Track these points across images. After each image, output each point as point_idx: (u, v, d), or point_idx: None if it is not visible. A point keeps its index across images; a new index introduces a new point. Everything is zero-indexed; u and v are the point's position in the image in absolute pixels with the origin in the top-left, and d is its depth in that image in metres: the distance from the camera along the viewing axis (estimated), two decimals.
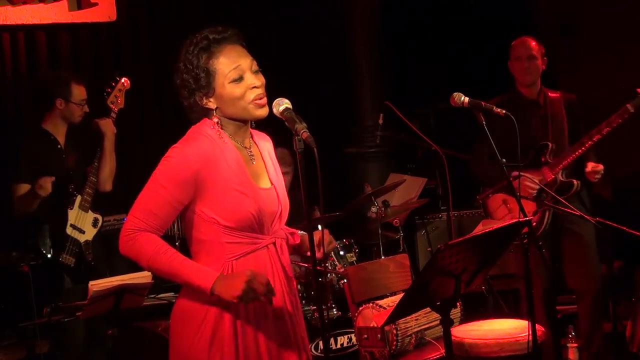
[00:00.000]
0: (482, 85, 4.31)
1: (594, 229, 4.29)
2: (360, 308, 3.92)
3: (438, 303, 2.73)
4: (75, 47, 5.79)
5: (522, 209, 3.18)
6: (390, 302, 3.89)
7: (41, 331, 4.30)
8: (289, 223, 2.80)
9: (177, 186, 2.45)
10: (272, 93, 2.56)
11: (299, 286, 4.56)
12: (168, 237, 4.50)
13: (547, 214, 4.27)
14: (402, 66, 6.71)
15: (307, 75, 6.28)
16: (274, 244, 2.58)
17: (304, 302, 4.55)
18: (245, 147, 2.59)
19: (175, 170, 2.45)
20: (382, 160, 6.55)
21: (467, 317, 4.04)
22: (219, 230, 2.48)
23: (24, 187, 4.31)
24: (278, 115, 2.49)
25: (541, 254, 3.19)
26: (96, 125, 4.51)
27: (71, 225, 4.32)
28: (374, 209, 4.94)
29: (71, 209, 4.33)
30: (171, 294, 4.40)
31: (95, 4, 5.71)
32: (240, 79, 2.50)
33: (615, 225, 3.60)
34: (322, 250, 2.60)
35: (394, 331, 3.72)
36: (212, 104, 2.52)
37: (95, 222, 4.45)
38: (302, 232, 2.76)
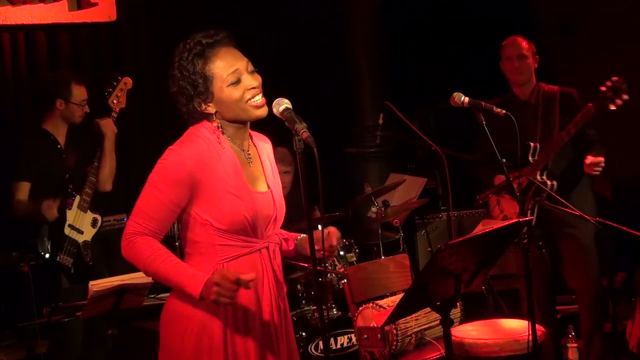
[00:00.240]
0: (482, 85, 4.31)
1: (593, 231, 4.29)
2: (360, 308, 3.92)
3: (438, 303, 2.73)
4: (75, 47, 5.79)
5: (522, 209, 3.18)
6: (390, 302, 3.89)
7: (41, 331, 4.29)
8: (289, 221, 2.81)
9: (171, 188, 2.46)
10: (272, 93, 2.56)
11: (299, 286, 4.56)
12: (168, 237, 4.51)
13: (528, 213, 4.26)
14: (402, 66, 6.71)
15: (307, 75, 6.28)
16: (267, 248, 2.58)
17: (304, 302, 4.55)
18: (244, 150, 2.59)
19: (169, 172, 2.46)
20: (382, 160, 6.55)
21: (467, 317, 4.04)
22: (212, 232, 2.49)
23: (24, 186, 4.31)
24: (278, 115, 2.49)
25: (541, 254, 3.18)
26: (97, 125, 4.50)
27: (69, 226, 4.32)
28: (374, 209, 4.94)
29: (70, 209, 4.33)
30: None
31: (95, 4, 5.71)
32: (238, 81, 2.50)
33: (615, 225, 3.59)
34: (323, 250, 2.60)
35: (394, 331, 3.72)
36: (211, 108, 2.52)
37: (94, 223, 4.44)
38: (302, 235, 2.75)
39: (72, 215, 4.34)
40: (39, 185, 4.35)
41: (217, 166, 2.49)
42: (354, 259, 4.74)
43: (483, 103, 3.31)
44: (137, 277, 3.74)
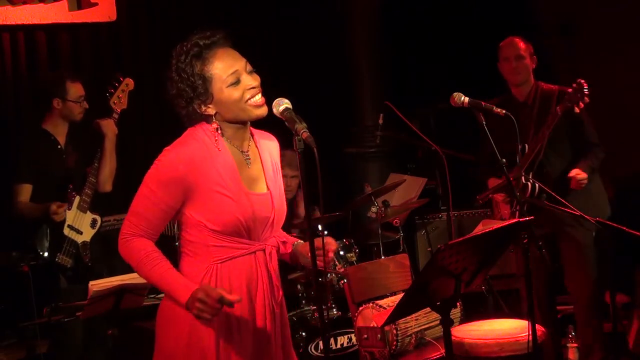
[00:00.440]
0: (482, 85, 4.31)
1: (593, 232, 4.29)
2: (360, 308, 3.92)
3: (438, 303, 2.73)
4: (75, 47, 5.78)
5: (522, 209, 3.18)
6: (390, 302, 3.89)
7: (41, 331, 4.29)
8: (290, 221, 2.81)
9: (163, 189, 2.48)
10: (272, 93, 2.56)
11: (299, 286, 4.56)
12: (168, 237, 4.53)
13: (518, 214, 4.26)
14: (402, 66, 6.71)
15: (307, 75, 6.28)
16: (264, 250, 2.58)
17: (304, 302, 4.55)
18: (243, 151, 2.58)
19: (161, 173, 2.48)
20: (382, 160, 6.55)
21: (467, 317, 4.04)
22: (206, 233, 2.50)
23: (26, 188, 4.31)
24: (278, 115, 2.49)
25: (541, 254, 3.18)
26: (97, 126, 4.50)
27: (68, 226, 4.32)
28: (374, 209, 4.94)
29: (69, 209, 4.33)
30: None
31: (95, 4, 5.71)
32: (237, 81, 2.50)
33: (615, 225, 3.60)
34: (324, 260, 2.58)
35: (394, 331, 3.73)
36: (211, 110, 2.52)
37: (93, 223, 4.44)
38: (300, 241, 2.74)
39: (71, 215, 4.33)
40: (39, 186, 4.35)
41: (211, 168, 2.49)
42: (354, 259, 4.74)
43: (483, 103, 3.31)
44: (137, 277, 3.71)
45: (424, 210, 5.69)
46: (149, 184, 2.49)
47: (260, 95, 2.53)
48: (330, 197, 5.68)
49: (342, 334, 4.43)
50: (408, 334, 3.80)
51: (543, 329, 3.66)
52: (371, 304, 3.89)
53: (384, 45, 6.63)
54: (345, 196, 5.85)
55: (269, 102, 2.53)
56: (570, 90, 4.24)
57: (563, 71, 6.12)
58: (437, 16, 6.66)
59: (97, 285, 3.65)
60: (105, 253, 4.52)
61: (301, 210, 4.99)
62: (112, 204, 4.74)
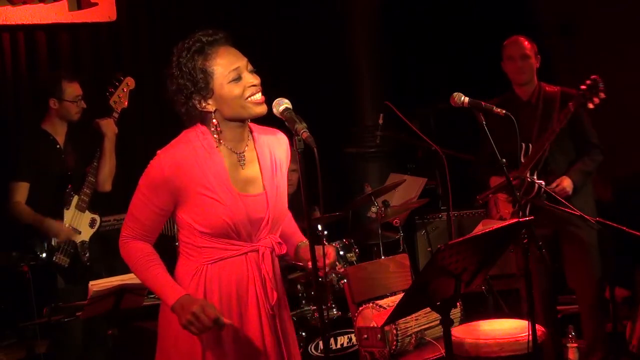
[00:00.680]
0: (482, 85, 4.31)
1: (596, 231, 4.29)
2: (360, 308, 3.92)
3: (438, 303, 2.73)
4: (75, 47, 5.78)
5: (522, 209, 3.18)
6: (390, 302, 3.89)
7: (41, 331, 4.29)
8: (296, 217, 2.79)
9: (152, 192, 2.52)
10: (272, 93, 2.56)
11: (299, 286, 4.55)
12: (168, 237, 4.53)
13: (521, 213, 4.26)
14: (402, 66, 6.71)
15: (307, 75, 6.28)
16: (258, 251, 2.57)
17: (304, 302, 4.55)
18: (237, 152, 2.57)
19: (150, 177, 2.52)
20: (382, 160, 6.55)
21: (467, 317, 4.04)
22: (196, 234, 2.53)
23: (23, 186, 4.30)
24: (278, 115, 2.49)
25: (541, 254, 3.18)
26: (97, 125, 4.50)
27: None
28: (374, 209, 4.94)
29: (67, 209, 4.33)
30: None
31: (95, 4, 5.71)
32: (238, 78, 2.51)
33: (615, 225, 3.60)
34: (324, 268, 2.57)
35: (394, 331, 3.73)
36: (210, 106, 2.52)
37: (92, 223, 4.44)
38: (305, 242, 2.74)
39: (69, 215, 4.33)
40: (38, 186, 4.35)
41: (199, 171, 2.49)
42: (354, 259, 4.74)
43: (483, 103, 3.31)
44: (136, 277, 3.73)
45: (424, 210, 5.69)
46: (141, 187, 2.55)
47: (260, 94, 2.53)
48: (330, 197, 5.68)
49: (342, 334, 4.43)
50: (408, 334, 3.79)
51: (543, 329, 3.66)
52: (371, 304, 3.89)
53: (384, 45, 6.63)
54: (345, 196, 5.85)
55: (269, 102, 2.53)
56: (574, 91, 4.26)
57: (563, 71, 6.12)
58: (437, 16, 6.66)
59: (97, 285, 3.65)
60: (105, 253, 4.52)
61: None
62: (111, 204, 4.74)
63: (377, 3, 6.66)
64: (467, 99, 3.30)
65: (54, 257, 4.26)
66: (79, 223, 4.37)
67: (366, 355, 3.86)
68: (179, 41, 2.57)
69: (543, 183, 4.24)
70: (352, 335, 4.36)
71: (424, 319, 3.85)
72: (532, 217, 3.69)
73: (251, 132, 2.65)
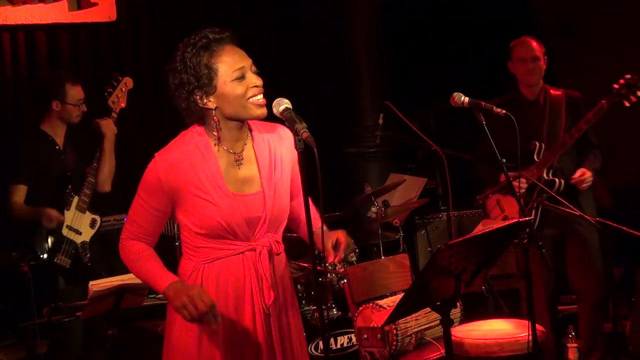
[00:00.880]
0: (482, 85, 4.31)
1: (598, 232, 4.30)
2: (360, 308, 3.92)
3: (438, 303, 2.73)
4: (75, 47, 5.78)
5: (522, 209, 3.18)
6: (390, 302, 3.89)
7: (41, 331, 4.29)
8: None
9: (148, 195, 2.55)
10: (272, 93, 2.56)
11: (299, 286, 4.55)
12: (168, 237, 4.53)
13: (534, 213, 4.26)
14: (402, 66, 6.71)
15: (307, 75, 6.28)
16: (255, 250, 2.57)
17: (304, 302, 4.55)
18: (234, 152, 2.58)
19: (145, 180, 2.56)
20: (382, 160, 6.55)
21: (467, 317, 4.04)
22: (193, 235, 2.56)
23: (21, 189, 4.30)
24: (278, 115, 2.49)
25: (541, 254, 3.18)
26: (97, 126, 4.49)
27: (67, 227, 4.32)
28: (374, 209, 4.94)
29: (68, 209, 4.33)
30: None
31: (95, 4, 5.71)
32: (242, 77, 2.51)
33: (615, 225, 3.59)
34: (336, 255, 2.60)
35: (394, 331, 3.72)
36: (211, 103, 2.52)
37: (92, 223, 4.44)
38: (318, 229, 2.72)
39: (70, 216, 4.33)
40: (38, 186, 4.35)
41: (193, 173, 2.51)
42: (354, 259, 4.73)
43: (483, 103, 3.31)
44: (136, 277, 3.73)
45: (424, 210, 5.69)
46: (139, 190, 2.58)
47: (262, 96, 2.53)
48: (330, 197, 5.68)
49: (342, 334, 4.43)
50: (408, 334, 3.79)
51: (543, 329, 3.66)
52: (371, 304, 3.88)
53: (384, 45, 6.63)
54: (345, 196, 5.85)
55: (269, 102, 2.53)
56: (577, 94, 4.28)
57: (563, 71, 6.12)
58: (437, 16, 6.66)
59: (97, 285, 3.66)
60: (105, 253, 4.52)
61: None
62: (111, 204, 4.74)
63: (377, 3, 6.66)
64: (467, 99, 3.30)
65: (55, 258, 4.25)
66: (79, 224, 4.37)
67: (366, 355, 3.86)
68: (179, 41, 2.58)
69: (562, 182, 4.27)
70: (352, 335, 4.36)
71: (424, 319, 3.85)
72: (531, 217, 3.71)
73: (250, 130, 2.65)
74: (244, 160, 2.59)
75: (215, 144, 2.56)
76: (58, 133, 4.46)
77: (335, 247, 2.60)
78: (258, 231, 2.57)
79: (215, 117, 2.53)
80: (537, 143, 4.32)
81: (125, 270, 3.77)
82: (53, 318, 3.86)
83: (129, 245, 2.60)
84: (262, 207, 2.58)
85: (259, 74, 2.56)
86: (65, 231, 4.30)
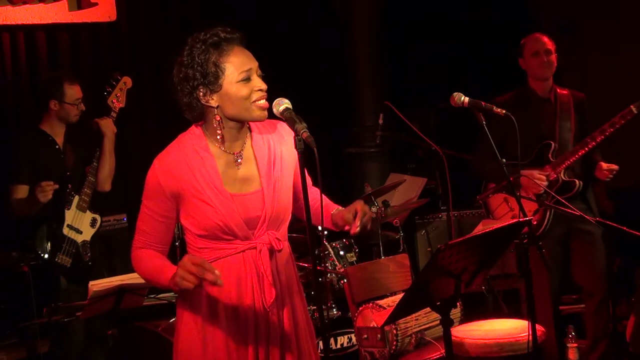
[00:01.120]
0: (482, 85, 4.31)
1: (602, 229, 4.30)
2: (360, 308, 3.92)
3: (438, 303, 2.73)
4: (75, 47, 5.78)
5: (521, 209, 3.18)
6: (390, 302, 3.89)
7: (41, 331, 4.30)
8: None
9: (151, 201, 2.56)
10: (272, 93, 2.57)
11: None
12: None
13: (548, 213, 4.27)
14: (402, 66, 6.71)
15: (307, 75, 6.28)
16: (256, 248, 2.57)
17: None
18: (233, 153, 2.58)
19: (147, 186, 2.57)
20: (382, 160, 6.55)
21: (467, 317, 4.04)
22: (194, 237, 2.57)
23: (23, 189, 4.30)
24: (278, 115, 2.50)
25: (541, 255, 3.18)
26: (96, 125, 4.50)
27: (68, 226, 4.32)
28: (374, 209, 4.94)
29: (68, 209, 4.33)
30: (171, 294, 4.41)
31: (95, 4, 5.71)
32: (248, 79, 2.51)
33: (615, 225, 3.59)
34: (322, 223, 2.65)
35: (394, 331, 3.73)
36: (214, 101, 2.52)
37: (93, 223, 4.44)
38: (338, 208, 2.76)
39: (70, 215, 4.33)
40: None
41: (190, 175, 2.51)
42: (354, 259, 4.73)
43: (483, 103, 3.31)
44: (137, 277, 3.72)
45: (424, 210, 5.69)
46: (143, 198, 2.59)
47: (265, 100, 2.53)
48: (330, 197, 5.67)
49: (342, 334, 4.43)
50: (408, 334, 3.80)
51: (543, 329, 3.66)
52: (371, 304, 3.89)
53: (384, 45, 6.63)
54: (345, 196, 5.85)
55: (269, 102, 2.53)
56: (582, 94, 4.29)
57: (563, 71, 6.12)
58: (437, 16, 6.66)
59: (97, 285, 3.65)
60: (105, 253, 4.52)
61: None
62: (111, 204, 4.74)
63: (378, 3, 6.66)
64: (467, 99, 3.30)
65: (56, 258, 4.25)
66: (80, 223, 4.37)
67: (366, 355, 3.86)
68: (178, 41, 2.58)
69: (581, 183, 4.29)
70: (352, 335, 4.36)
71: (424, 319, 3.85)
72: (532, 217, 3.71)
73: (250, 130, 2.65)
74: (242, 159, 2.60)
75: (215, 144, 2.56)
76: (57, 133, 4.46)
77: (354, 217, 2.61)
78: (258, 230, 2.57)
79: (217, 116, 2.53)
80: (552, 143, 4.32)
81: (125, 270, 3.79)
82: (53, 318, 3.86)
83: (139, 254, 2.61)
84: (261, 205, 2.58)
85: (264, 77, 2.56)
86: (66, 230, 4.31)
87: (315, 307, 4.46)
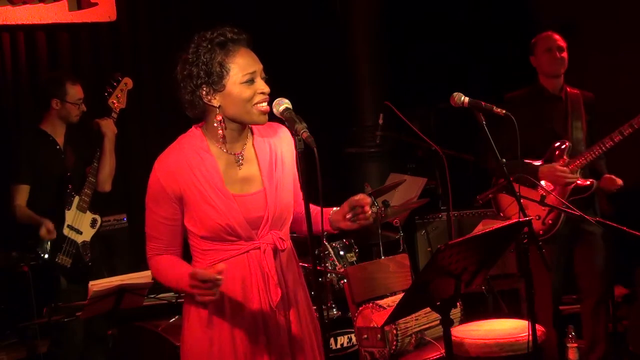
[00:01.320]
0: (482, 85, 4.31)
1: (602, 230, 4.31)
2: (360, 308, 3.92)
3: (438, 303, 2.73)
4: (75, 47, 5.78)
5: (521, 209, 3.17)
6: (390, 302, 3.89)
7: (41, 331, 4.30)
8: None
9: (156, 205, 2.55)
10: (272, 93, 2.56)
11: None
12: None
13: (562, 213, 4.25)
14: (402, 66, 6.71)
15: (307, 75, 6.27)
16: (260, 248, 2.57)
17: None
18: (234, 153, 2.58)
19: (150, 190, 2.57)
20: (382, 160, 6.54)
21: (467, 317, 4.04)
22: (198, 239, 2.56)
23: (23, 189, 4.31)
24: (278, 115, 2.49)
25: (541, 255, 3.18)
26: (97, 126, 4.50)
27: (68, 226, 4.32)
28: (374, 209, 4.94)
29: (68, 209, 4.33)
30: (171, 294, 4.41)
31: (95, 4, 5.71)
32: (252, 81, 2.51)
33: (615, 225, 3.59)
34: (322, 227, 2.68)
35: (394, 331, 3.73)
36: (216, 101, 2.52)
37: (93, 223, 4.44)
38: (334, 209, 2.79)
39: (70, 215, 4.34)
40: (38, 186, 4.35)
41: (191, 177, 2.51)
42: (354, 259, 4.73)
43: (483, 103, 3.31)
44: (137, 277, 3.74)
45: (424, 210, 5.68)
46: (147, 203, 2.58)
47: (267, 103, 2.53)
48: (331, 197, 5.67)
49: (342, 334, 4.44)
50: (408, 334, 3.80)
51: (543, 329, 3.66)
52: (371, 304, 3.89)
53: (384, 45, 6.63)
54: (345, 196, 5.84)
55: (269, 102, 2.53)
56: (591, 95, 4.29)
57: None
58: (437, 16, 6.66)
59: (97, 285, 3.65)
60: (105, 253, 4.52)
61: None
62: (111, 204, 4.73)
63: (378, 3, 6.66)
64: (467, 99, 3.30)
65: (57, 258, 4.26)
66: (80, 223, 4.37)
67: (366, 355, 3.86)
68: (178, 42, 2.57)
69: (594, 182, 4.30)
70: (352, 335, 4.36)
71: (424, 319, 3.85)
72: (531, 217, 3.69)
73: (251, 131, 2.64)
74: (244, 160, 2.59)
75: (216, 145, 2.56)
76: (58, 133, 4.46)
77: (353, 206, 2.69)
78: (261, 230, 2.57)
79: (218, 116, 2.52)
80: (566, 142, 4.32)
81: (125, 270, 3.79)
82: (53, 318, 3.86)
83: (155, 262, 2.61)
84: (264, 206, 2.57)
85: (267, 80, 2.56)
86: (66, 231, 4.31)
87: (315, 307, 4.47)
